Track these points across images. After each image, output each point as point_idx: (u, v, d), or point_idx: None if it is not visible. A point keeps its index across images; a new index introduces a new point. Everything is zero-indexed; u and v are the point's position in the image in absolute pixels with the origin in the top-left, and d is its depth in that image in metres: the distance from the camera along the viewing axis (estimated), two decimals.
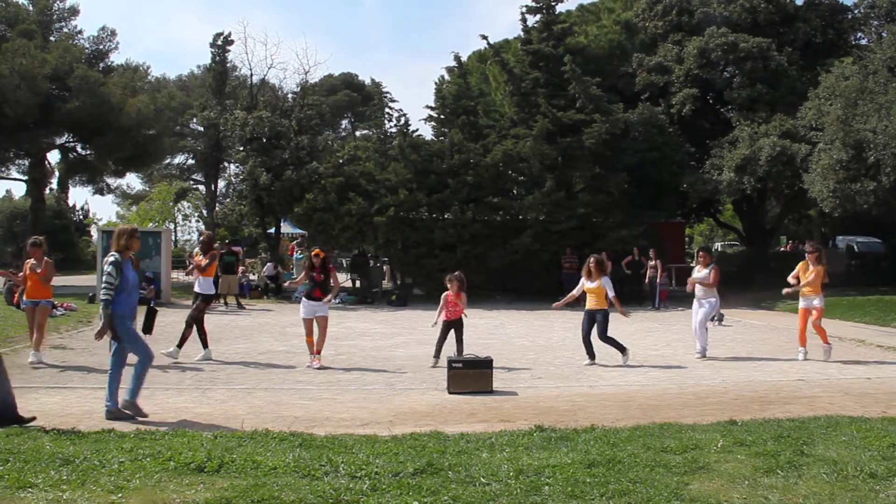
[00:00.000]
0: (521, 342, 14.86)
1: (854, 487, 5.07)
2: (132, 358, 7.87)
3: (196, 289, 12.38)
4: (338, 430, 7.08)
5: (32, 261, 11.56)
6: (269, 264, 26.66)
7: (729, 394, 9.50)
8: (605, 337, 11.88)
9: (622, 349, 11.85)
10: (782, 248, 42.79)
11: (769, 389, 9.79)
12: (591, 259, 12.25)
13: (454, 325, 11.56)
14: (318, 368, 11.17)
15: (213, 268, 12.45)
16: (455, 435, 6.74)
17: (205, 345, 12.10)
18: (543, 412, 8.14)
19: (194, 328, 11.96)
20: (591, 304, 12.07)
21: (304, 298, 11.73)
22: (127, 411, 7.69)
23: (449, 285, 11.64)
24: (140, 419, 7.60)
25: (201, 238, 13.08)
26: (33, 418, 7.15)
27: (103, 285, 7.78)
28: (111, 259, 7.87)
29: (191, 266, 12.74)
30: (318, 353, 11.46)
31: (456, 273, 11.83)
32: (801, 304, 12.33)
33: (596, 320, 11.94)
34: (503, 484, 5.10)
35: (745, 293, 24.39)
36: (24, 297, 11.75)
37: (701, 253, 13.41)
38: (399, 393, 9.55)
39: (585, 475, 5.25)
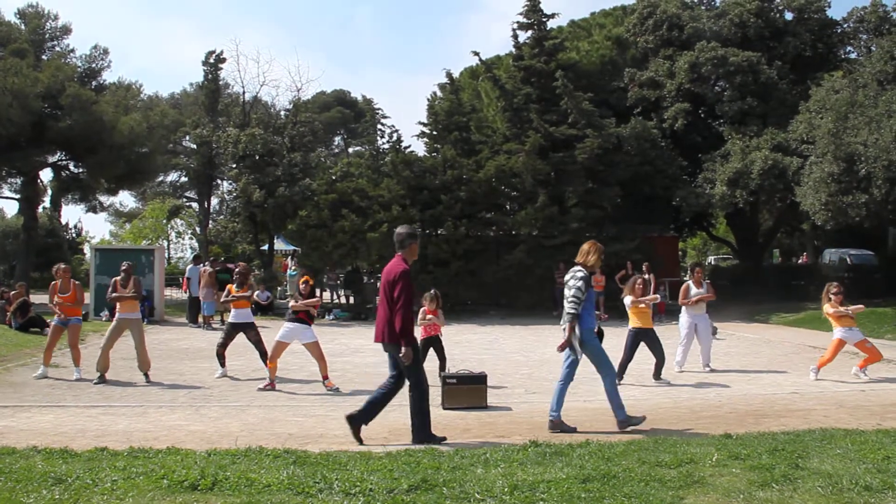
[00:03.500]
0: (516, 357, 14.84)
1: (849, 500, 5.06)
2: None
3: (234, 319, 12.39)
4: (332, 447, 7.06)
5: (59, 283, 12.29)
6: (266, 293, 26.20)
7: (724, 407, 9.51)
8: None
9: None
10: (800, 261, 42.31)
11: (763, 403, 9.80)
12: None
13: (432, 342, 11.42)
14: (334, 390, 10.96)
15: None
16: (449, 451, 6.72)
17: (222, 364, 12.45)
18: (538, 427, 8.12)
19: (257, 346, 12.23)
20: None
21: (286, 322, 11.59)
22: (629, 425, 7.95)
23: (425, 304, 11.50)
24: (640, 427, 7.91)
25: (237, 270, 13.05)
26: (444, 438, 7.46)
27: (571, 299, 7.87)
28: (581, 274, 7.98)
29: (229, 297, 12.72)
30: (326, 377, 11.24)
31: (431, 291, 11.72)
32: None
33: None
34: (498, 499, 5.08)
35: (738, 306, 24.41)
36: (55, 317, 12.43)
37: (697, 269, 13.37)
38: (393, 409, 9.48)
39: (580, 490, 5.23)
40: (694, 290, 12.90)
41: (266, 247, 29.81)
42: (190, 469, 5.65)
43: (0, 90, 26.75)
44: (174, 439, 7.42)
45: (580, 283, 7.91)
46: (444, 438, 7.48)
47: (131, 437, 7.57)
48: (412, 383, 7.49)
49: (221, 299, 12.98)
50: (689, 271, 13.68)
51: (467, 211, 25.29)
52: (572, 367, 8.10)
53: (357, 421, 7.53)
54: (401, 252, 7.60)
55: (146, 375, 11.89)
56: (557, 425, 7.98)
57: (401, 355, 7.28)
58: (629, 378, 11.68)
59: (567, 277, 8.20)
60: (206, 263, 22.21)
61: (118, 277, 12.13)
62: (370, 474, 5.63)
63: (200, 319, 21.10)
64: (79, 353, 12.28)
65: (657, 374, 11.70)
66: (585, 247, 8.27)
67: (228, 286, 12.71)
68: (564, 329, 7.96)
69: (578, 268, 8.11)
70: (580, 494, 5.15)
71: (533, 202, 25.19)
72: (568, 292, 8.01)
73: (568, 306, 7.90)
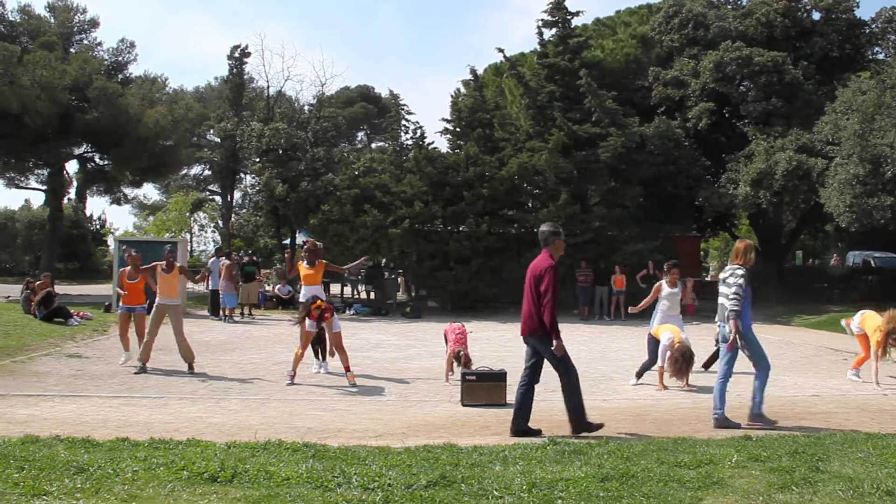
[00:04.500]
0: None
1: None
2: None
3: (301, 298, 12.09)
4: (351, 442, 7.09)
5: (129, 269, 12.34)
6: (287, 287, 26.05)
7: (744, 409, 9.42)
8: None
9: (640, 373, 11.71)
10: (832, 262, 41.74)
11: (784, 405, 9.71)
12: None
13: (457, 355, 11.15)
14: (354, 386, 10.83)
15: (318, 276, 12.06)
16: (468, 447, 6.73)
17: (323, 356, 12.28)
18: (557, 425, 8.11)
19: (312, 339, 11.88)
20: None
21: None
22: (756, 422, 8.11)
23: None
24: (769, 428, 7.94)
25: (306, 247, 12.46)
26: (601, 425, 7.70)
27: (733, 297, 8.06)
28: (741, 272, 8.17)
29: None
30: (348, 369, 11.09)
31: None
32: None
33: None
34: (516, 497, 5.09)
35: (760, 308, 24.20)
36: (121, 304, 12.54)
37: (675, 270, 12.58)
38: (412, 405, 9.54)
39: (599, 489, 5.23)
40: (666, 290, 12.17)
41: (288, 241, 29.94)
42: (210, 461, 5.70)
43: (29, 83, 27.03)
44: (194, 431, 7.49)
45: (741, 281, 8.08)
46: (602, 425, 7.70)
47: (152, 428, 7.64)
48: (562, 374, 7.77)
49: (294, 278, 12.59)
50: (664, 271, 12.83)
51: (489, 208, 25.26)
52: (730, 363, 8.28)
53: (520, 431, 7.69)
54: (546, 249, 7.92)
55: (190, 366, 11.72)
56: (722, 422, 8.10)
57: (553, 348, 7.59)
58: (649, 378, 11.62)
59: (725, 276, 8.38)
60: (224, 257, 22.29)
61: (161, 262, 12.03)
62: (389, 469, 5.66)
63: (222, 313, 21.20)
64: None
65: None
66: (741, 247, 8.43)
67: (298, 263, 12.39)
68: (721, 325, 8.33)
69: (738, 266, 8.25)
70: (598, 493, 5.14)
71: (555, 200, 25.12)
72: (728, 290, 8.15)
73: (730, 304, 8.05)
